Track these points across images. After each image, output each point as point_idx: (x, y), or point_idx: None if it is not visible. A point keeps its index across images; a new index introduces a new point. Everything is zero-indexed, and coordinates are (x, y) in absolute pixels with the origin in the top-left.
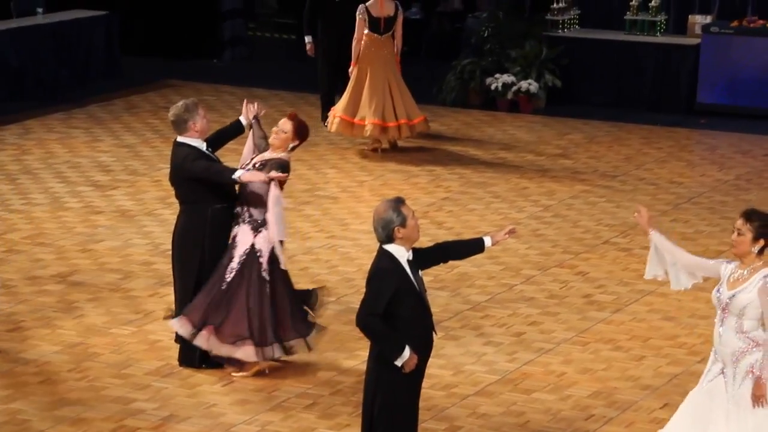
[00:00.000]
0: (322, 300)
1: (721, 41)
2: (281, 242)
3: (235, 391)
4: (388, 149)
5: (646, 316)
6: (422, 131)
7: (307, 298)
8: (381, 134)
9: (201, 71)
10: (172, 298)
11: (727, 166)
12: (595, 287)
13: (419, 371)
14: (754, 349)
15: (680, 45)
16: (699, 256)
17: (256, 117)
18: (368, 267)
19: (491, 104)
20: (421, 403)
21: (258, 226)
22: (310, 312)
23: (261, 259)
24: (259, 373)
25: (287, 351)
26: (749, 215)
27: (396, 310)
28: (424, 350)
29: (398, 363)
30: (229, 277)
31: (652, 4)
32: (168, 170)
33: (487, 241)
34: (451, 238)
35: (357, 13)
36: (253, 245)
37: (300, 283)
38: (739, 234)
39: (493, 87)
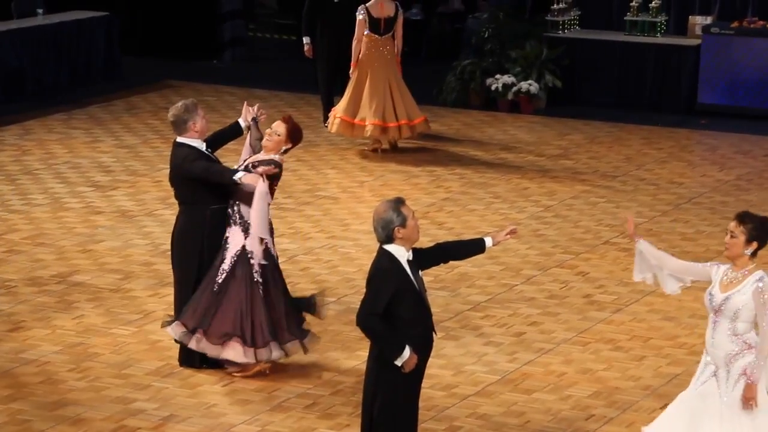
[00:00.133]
0: (322, 301)
1: (722, 42)
2: (261, 239)
3: (235, 392)
4: (389, 150)
5: (647, 316)
6: (423, 132)
7: (304, 306)
8: (381, 135)
9: (201, 72)
10: (172, 298)
11: (727, 166)
12: (595, 287)
13: (419, 371)
14: (747, 352)
15: (681, 46)
16: (688, 261)
17: (254, 119)
18: (368, 267)
19: (492, 105)
20: (421, 404)
21: (249, 228)
22: (307, 318)
23: (252, 261)
24: (260, 374)
25: (283, 353)
26: (742, 218)
27: (396, 310)
28: (424, 350)
29: (398, 363)
30: (220, 278)
31: (653, 4)
32: (168, 170)
33: (488, 241)
34: (451, 238)
35: (357, 13)
36: (244, 246)
37: (300, 283)
38: (732, 236)
39: (493, 87)
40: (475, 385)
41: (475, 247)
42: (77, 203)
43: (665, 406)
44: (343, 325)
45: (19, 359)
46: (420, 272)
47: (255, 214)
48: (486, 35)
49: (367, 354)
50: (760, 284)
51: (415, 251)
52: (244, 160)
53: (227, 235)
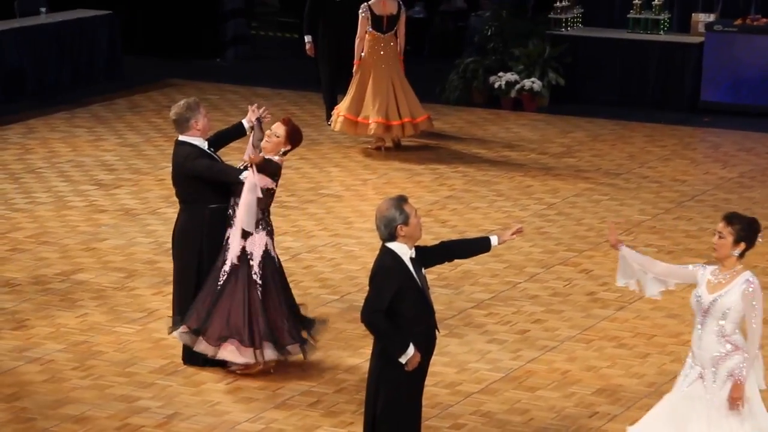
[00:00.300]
0: (322, 328)
1: (725, 39)
2: (247, 233)
3: (239, 389)
4: (392, 148)
5: (650, 313)
6: (426, 130)
7: (307, 324)
8: (385, 133)
9: (204, 70)
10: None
11: (730, 163)
12: (598, 285)
13: (422, 369)
14: (735, 354)
15: (684, 43)
16: (673, 264)
17: (259, 119)
18: (372, 265)
19: (495, 103)
20: (425, 401)
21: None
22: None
23: (252, 262)
24: (264, 372)
25: (282, 354)
26: (730, 218)
27: (398, 308)
28: (426, 348)
29: (402, 360)
30: (221, 280)
31: (656, 2)
32: (171, 169)
33: (494, 240)
34: (454, 236)
35: (360, 11)
36: (243, 248)
37: (304, 281)
38: (720, 237)
39: (496, 85)
40: (478, 383)
41: (481, 245)
42: (80, 202)
43: None
44: (347, 323)
45: (23, 357)
46: (423, 270)
47: (242, 207)
48: (489, 33)
49: (371, 352)
50: (750, 286)
51: (420, 249)
52: (244, 161)
53: (228, 236)
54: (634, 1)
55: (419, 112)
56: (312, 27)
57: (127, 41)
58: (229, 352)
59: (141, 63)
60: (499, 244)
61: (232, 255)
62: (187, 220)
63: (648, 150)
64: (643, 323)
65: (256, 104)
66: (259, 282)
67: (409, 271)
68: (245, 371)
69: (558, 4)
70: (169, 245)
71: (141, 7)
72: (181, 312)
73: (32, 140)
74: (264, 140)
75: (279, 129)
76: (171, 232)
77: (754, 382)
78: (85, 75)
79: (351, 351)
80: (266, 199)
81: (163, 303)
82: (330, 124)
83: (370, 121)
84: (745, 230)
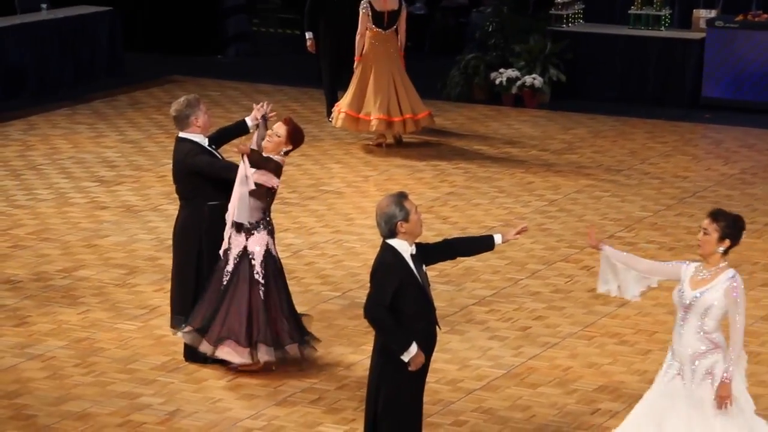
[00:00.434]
0: (313, 342)
1: (726, 35)
2: (239, 225)
3: (240, 386)
4: (393, 144)
5: (652, 310)
6: (427, 126)
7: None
8: (386, 129)
9: (205, 67)
10: None
11: (732, 160)
12: None
13: (423, 366)
14: (714, 351)
15: (685, 39)
16: (656, 261)
17: (264, 117)
18: (372, 262)
19: (496, 99)
20: (427, 398)
21: (251, 229)
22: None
23: (253, 262)
24: (266, 369)
25: (279, 354)
26: (716, 215)
27: (399, 305)
28: (427, 345)
29: (405, 358)
30: (225, 280)
31: None
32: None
33: (498, 238)
34: (456, 232)
35: (360, 7)
36: (245, 247)
37: (305, 278)
38: (705, 233)
39: (497, 82)
40: (480, 380)
41: (484, 243)
42: (82, 198)
43: None
44: (348, 320)
45: (25, 354)
46: (424, 267)
47: (233, 199)
48: (490, 29)
49: (372, 348)
50: (733, 283)
51: (422, 246)
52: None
53: (229, 235)
54: None
55: (420, 108)
56: (313, 23)
57: (128, 38)
58: (226, 352)
59: (142, 59)
60: (503, 242)
61: (234, 255)
62: (186, 216)
63: (649, 146)
64: (644, 320)
65: (262, 102)
66: (262, 281)
67: (410, 267)
68: (246, 368)
69: (559, 0)
70: (170, 242)
71: (142, 3)
72: (179, 308)
73: (33, 137)
74: (265, 139)
75: (280, 129)
76: (172, 229)
77: (740, 381)
78: (86, 71)
79: (353, 348)
80: (267, 198)
81: (165, 300)
82: (331, 121)
83: (371, 118)
84: (730, 227)
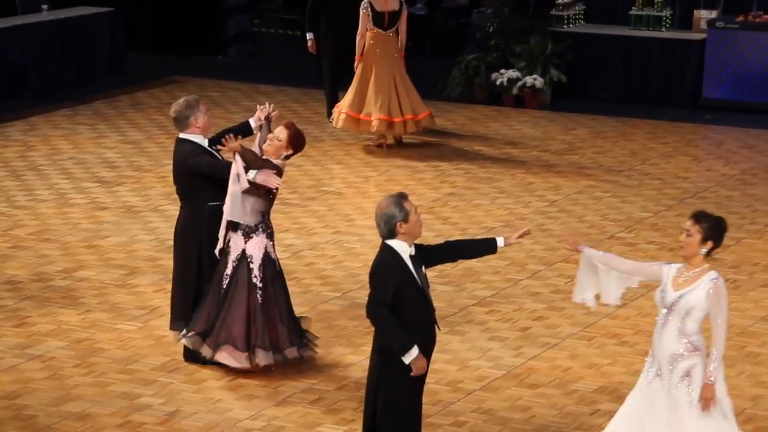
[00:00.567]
0: (312, 341)
1: (727, 36)
2: (234, 224)
3: (240, 387)
4: (393, 145)
5: (652, 311)
6: (428, 126)
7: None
8: (387, 130)
9: (206, 67)
10: None
11: (732, 160)
12: None
13: None
14: (692, 354)
15: (685, 40)
16: (638, 261)
17: (267, 118)
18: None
19: (496, 100)
20: (426, 398)
21: (249, 232)
22: (308, 330)
23: (252, 265)
24: (266, 370)
25: (277, 358)
26: (698, 217)
27: (398, 306)
28: (426, 346)
29: (405, 360)
30: (225, 283)
31: None
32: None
33: (500, 241)
34: (456, 233)
35: (361, 7)
36: (244, 251)
37: (306, 278)
38: (687, 235)
39: (498, 82)
40: (480, 380)
41: (487, 246)
42: (82, 199)
43: None
44: (348, 321)
45: (25, 354)
46: (423, 268)
47: (227, 198)
48: (490, 30)
49: (371, 348)
50: (715, 284)
51: (422, 247)
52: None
53: (229, 238)
54: None
55: (421, 108)
56: (314, 24)
57: (129, 38)
58: (224, 357)
59: (143, 60)
60: (505, 245)
61: (233, 258)
62: (187, 217)
63: (650, 147)
64: (644, 320)
65: (265, 103)
66: (259, 285)
67: (409, 268)
68: (245, 369)
69: (560, 0)
70: (171, 242)
71: (143, 3)
72: (180, 311)
73: (34, 137)
74: (266, 143)
75: (282, 133)
76: (172, 230)
77: (722, 383)
78: (87, 72)
79: (352, 348)
80: (267, 200)
81: (165, 300)
82: (331, 121)
83: (372, 119)
84: (713, 228)
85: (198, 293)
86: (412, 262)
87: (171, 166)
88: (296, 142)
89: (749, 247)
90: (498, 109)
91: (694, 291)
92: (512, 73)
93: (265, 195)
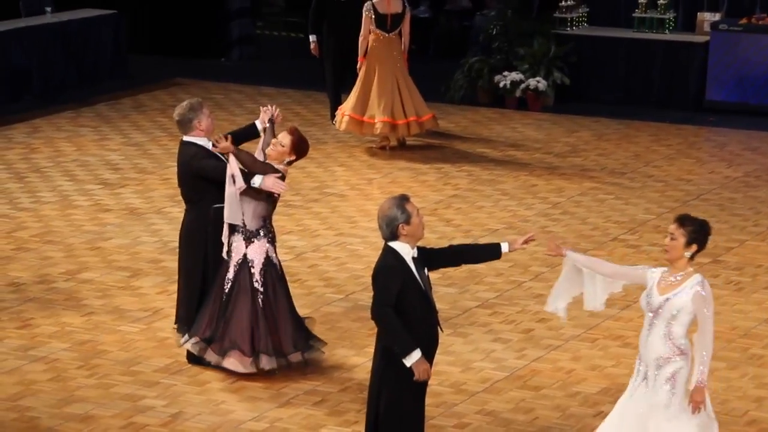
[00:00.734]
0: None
1: (730, 39)
2: (233, 227)
3: (243, 388)
4: (397, 147)
5: None
6: (431, 128)
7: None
8: (390, 132)
9: (209, 70)
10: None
11: (735, 163)
12: None
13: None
14: (678, 358)
15: (689, 42)
16: (622, 265)
17: (271, 120)
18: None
19: (499, 102)
20: (429, 400)
21: (251, 236)
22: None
23: (253, 269)
24: (269, 372)
25: (281, 362)
26: (683, 220)
27: (401, 308)
28: (429, 347)
29: (407, 362)
30: (227, 288)
31: (661, 1)
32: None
33: (505, 247)
34: (459, 235)
35: (364, 9)
36: (245, 255)
37: (309, 280)
38: (672, 238)
39: (501, 85)
40: (483, 382)
41: (491, 251)
42: (85, 201)
43: None
44: (351, 322)
45: (28, 356)
46: (426, 270)
47: (226, 200)
48: (494, 32)
49: (374, 350)
50: (701, 288)
51: (426, 250)
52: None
53: (231, 242)
54: (639, 1)
55: (424, 110)
56: (316, 26)
57: (132, 41)
58: (231, 363)
59: (146, 62)
60: (510, 251)
61: (234, 262)
62: (192, 220)
63: (653, 149)
64: None
65: (268, 105)
66: (261, 290)
67: (411, 270)
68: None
69: (563, 3)
70: (174, 244)
71: (146, 6)
72: (185, 314)
73: (37, 139)
74: (270, 147)
75: (285, 138)
76: (176, 232)
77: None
78: (90, 74)
79: (356, 350)
80: (268, 206)
81: (168, 302)
82: (334, 123)
83: (375, 121)
84: (697, 232)
85: (202, 297)
86: (415, 264)
87: (174, 169)
88: (299, 148)
89: (752, 249)
90: (501, 112)
91: (680, 294)
92: (515, 76)
93: (266, 199)
